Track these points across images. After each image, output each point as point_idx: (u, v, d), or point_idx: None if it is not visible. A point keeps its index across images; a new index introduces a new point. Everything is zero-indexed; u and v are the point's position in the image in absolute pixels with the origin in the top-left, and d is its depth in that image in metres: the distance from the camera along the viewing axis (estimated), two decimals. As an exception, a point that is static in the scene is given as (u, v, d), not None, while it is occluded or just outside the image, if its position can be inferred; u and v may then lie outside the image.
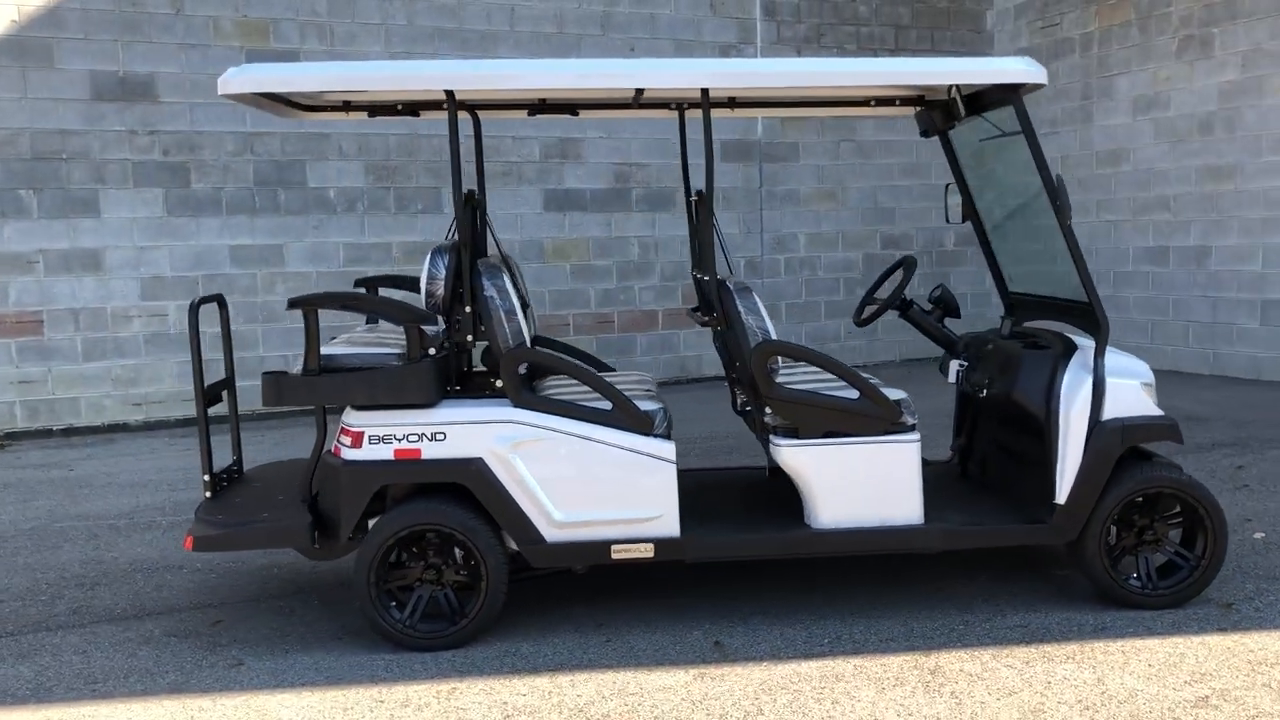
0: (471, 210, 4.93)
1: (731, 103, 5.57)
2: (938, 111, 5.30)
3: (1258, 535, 5.55)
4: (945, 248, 12.96)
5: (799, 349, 4.52)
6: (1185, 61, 10.85)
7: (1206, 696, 3.76)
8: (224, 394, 5.12)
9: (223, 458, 8.24)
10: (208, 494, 4.81)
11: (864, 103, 5.57)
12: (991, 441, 5.24)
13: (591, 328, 11.32)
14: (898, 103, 5.49)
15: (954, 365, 5.23)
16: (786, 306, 12.17)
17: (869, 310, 5.44)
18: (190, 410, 9.91)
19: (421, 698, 3.98)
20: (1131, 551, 4.66)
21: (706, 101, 4.53)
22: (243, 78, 4.33)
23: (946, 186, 5.41)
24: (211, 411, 9.14)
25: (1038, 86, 4.61)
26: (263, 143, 9.98)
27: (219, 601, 5.14)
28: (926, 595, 4.87)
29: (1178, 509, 4.63)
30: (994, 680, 3.96)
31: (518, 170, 10.91)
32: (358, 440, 4.42)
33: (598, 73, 4.47)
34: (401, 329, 5.41)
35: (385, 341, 4.75)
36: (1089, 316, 4.62)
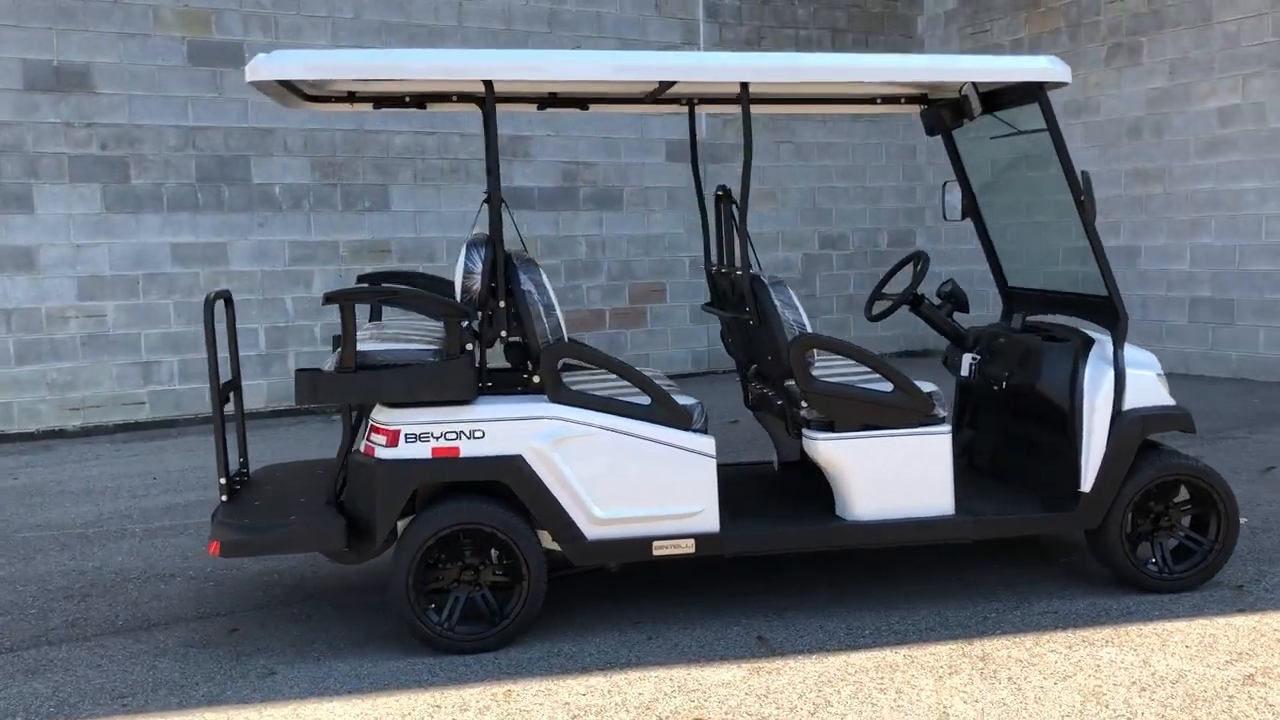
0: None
1: (734, 100, 5.57)
2: (946, 110, 5.39)
3: (1242, 520, 5.78)
4: (880, 248, 13.20)
5: (838, 342, 4.55)
6: (1114, 68, 11.27)
7: (1251, 675, 3.90)
8: (230, 394, 4.93)
9: (189, 462, 7.94)
10: (224, 498, 4.62)
11: (870, 100, 5.63)
12: (1003, 433, 5.34)
13: (540, 327, 11.20)
14: (903, 101, 5.57)
15: (967, 359, 5.32)
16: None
17: (880, 306, 5.51)
18: (132, 415, 9.51)
19: (479, 701, 3.88)
20: (1147, 537, 4.81)
21: (746, 96, 4.53)
22: (273, 65, 4.17)
23: (944, 184, 5.50)
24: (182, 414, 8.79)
25: (1062, 84, 4.72)
26: (205, 137, 9.63)
27: (227, 610, 4.94)
28: (950, 585, 4.94)
29: (1188, 495, 4.80)
30: (1044, 665, 4.04)
31: (465, 168, 10.75)
32: (394, 439, 4.29)
33: (637, 65, 4.43)
34: (415, 325, 5.30)
35: (410, 337, 4.62)
36: (1106, 310, 4.75)
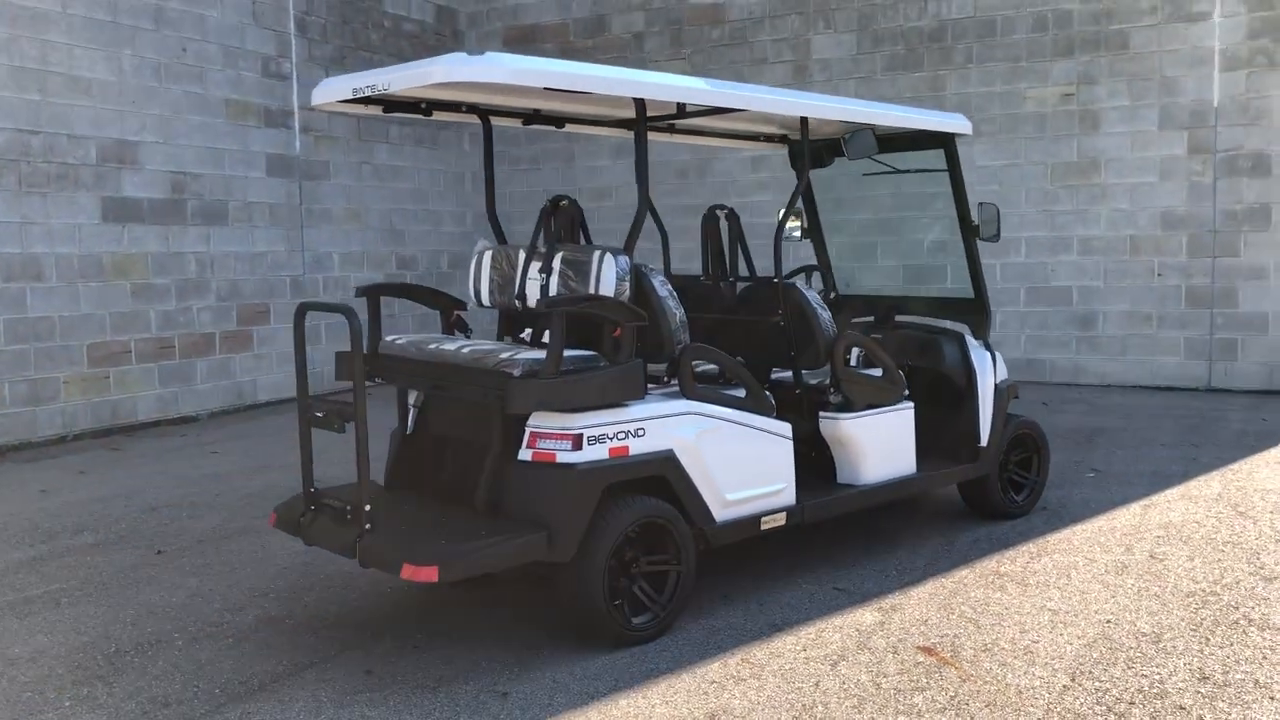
0: (554, 212, 5.02)
1: (670, 128, 6.19)
2: (823, 149, 6.55)
3: (1090, 474, 7.64)
4: (442, 269, 13.75)
5: (863, 338, 5.50)
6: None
7: (1148, 554, 5.64)
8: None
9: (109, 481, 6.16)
10: (368, 525, 4.25)
11: (753, 137, 6.60)
12: None
13: (154, 354, 10.09)
14: (762, 138, 6.62)
15: (855, 352, 6.52)
16: (325, 327, 11.99)
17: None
18: None
19: (736, 670, 4.23)
20: (1010, 479, 6.43)
21: (805, 129, 5.29)
22: (501, 69, 4.08)
23: (778, 212, 6.65)
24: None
25: (967, 135, 6.16)
26: None
27: (322, 657, 4.47)
28: (906, 538, 6.11)
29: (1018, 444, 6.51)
30: (1032, 570, 5.40)
31: (74, 173, 9.37)
32: (578, 442, 4.38)
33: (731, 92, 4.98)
34: (454, 332, 5.24)
35: (500, 347, 4.69)
36: (976, 308, 6.28)
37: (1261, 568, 5.39)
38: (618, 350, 4.55)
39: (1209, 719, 3.77)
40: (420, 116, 5.32)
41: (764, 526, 5.02)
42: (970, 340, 6.29)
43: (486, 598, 5.11)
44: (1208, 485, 7.10)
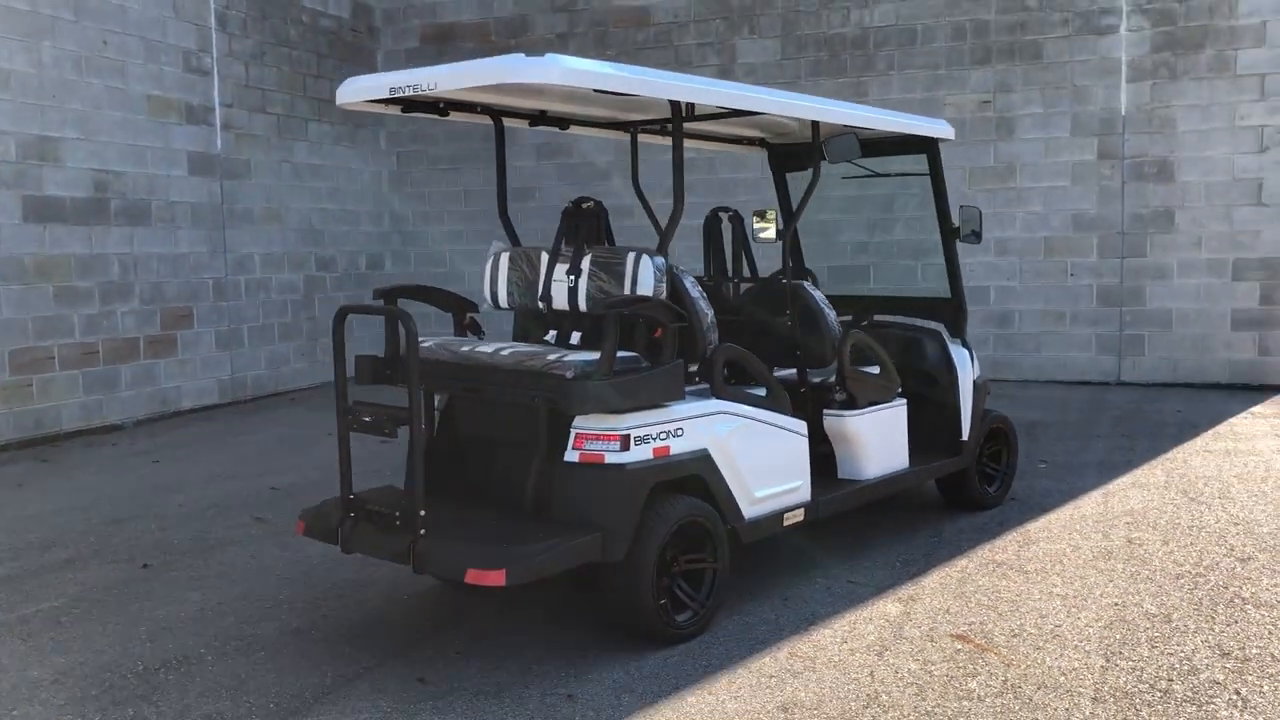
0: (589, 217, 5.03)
1: (664, 130, 6.24)
2: (801, 151, 6.70)
3: (1041, 464, 7.91)
4: (360, 270, 13.48)
5: (866, 337, 5.65)
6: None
7: (1125, 539, 5.96)
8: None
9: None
10: (423, 531, 4.19)
11: (736, 141, 6.71)
12: None
13: (78, 360, 9.63)
14: (744, 142, 6.75)
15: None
16: (249, 330, 11.63)
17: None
18: None
19: (788, 664, 4.33)
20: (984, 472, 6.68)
21: (816, 132, 5.40)
22: (559, 68, 4.07)
23: (756, 213, 6.77)
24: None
25: (949, 140, 6.37)
26: None
27: (365, 667, 4.39)
28: (895, 531, 6.29)
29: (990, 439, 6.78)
30: (1025, 558, 5.65)
31: (-6, 171, 8.89)
32: (626, 443, 4.41)
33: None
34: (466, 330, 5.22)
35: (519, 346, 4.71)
36: (953, 307, 6.52)
37: (1232, 550, 5.74)
38: (658, 351, 4.59)
39: (1245, 692, 4.02)
40: (422, 115, 5.25)
41: (786, 522, 5.13)
42: (947, 338, 6.52)
43: (499, 601, 5.08)
44: (1153, 474, 7.51)
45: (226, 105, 11.33)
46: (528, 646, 4.56)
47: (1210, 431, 8.90)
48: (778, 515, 5.08)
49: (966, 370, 6.41)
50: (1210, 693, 4.02)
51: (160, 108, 10.52)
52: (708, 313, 4.91)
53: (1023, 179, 11.72)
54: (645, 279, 4.69)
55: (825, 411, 5.67)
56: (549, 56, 4.13)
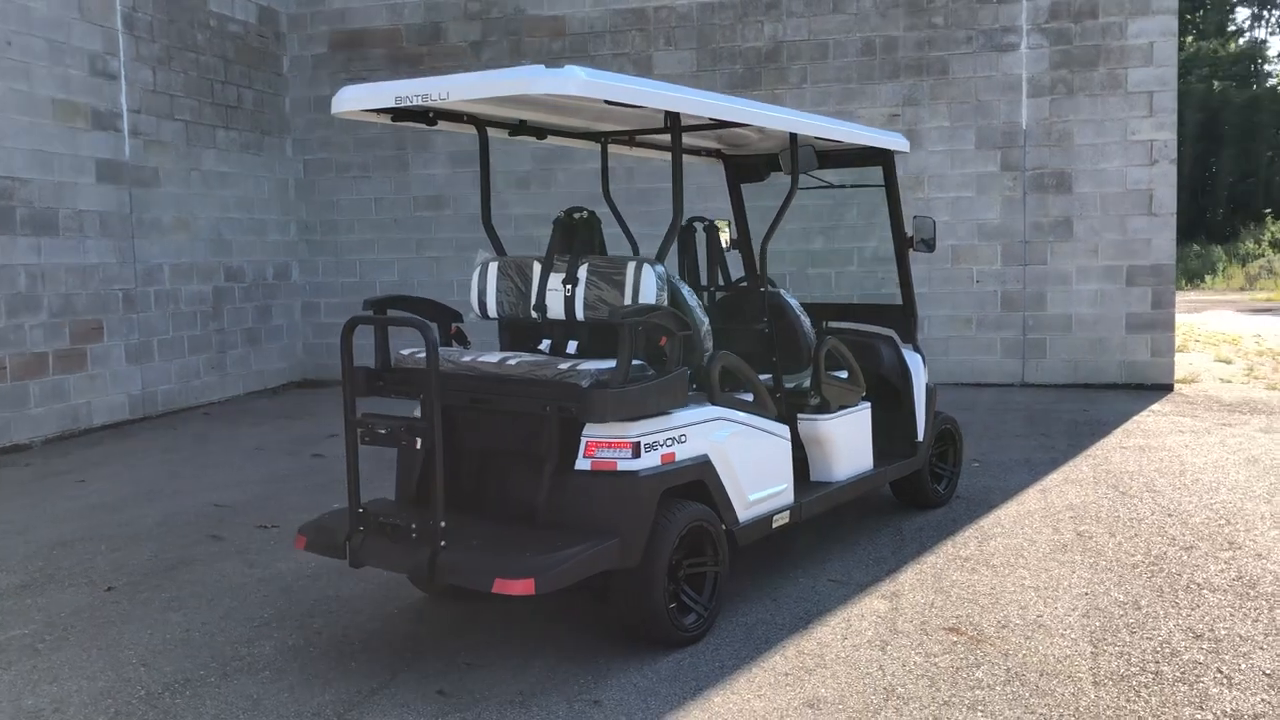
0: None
1: (631, 140, 6.31)
2: (761, 163, 6.86)
3: (974, 464, 8.17)
4: (268, 280, 13.16)
5: (839, 343, 5.82)
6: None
7: (1074, 532, 6.28)
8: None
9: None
10: (443, 543, 4.17)
11: (696, 152, 6.82)
12: None
13: (-15, 376, 9.18)
14: (703, 154, 6.89)
15: None
16: (159, 343, 11.24)
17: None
18: None
19: (793, 663, 4.45)
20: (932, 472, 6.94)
21: (794, 144, 5.55)
22: (577, 81, 4.12)
23: (705, 224, 6.90)
24: None
25: (904, 152, 6.61)
26: None
27: (380, 682, 4.35)
28: (857, 531, 6.48)
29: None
30: (987, 552, 5.90)
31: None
32: (637, 450, 4.48)
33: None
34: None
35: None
36: (904, 313, 6.76)
37: (1174, 540, 6.10)
38: (662, 359, 4.66)
39: (1226, 670, 4.31)
40: (410, 124, 5.22)
41: (774, 524, 5.26)
42: (899, 344, 6.75)
43: (489, 610, 5.08)
44: (1079, 470, 7.91)
45: (134, 111, 10.94)
46: (534, 655, 4.57)
47: (1120, 429, 9.40)
48: (767, 518, 5.21)
49: (920, 374, 6.66)
50: (1196, 672, 4.29)
51: (67, 112, 10.11)
52: (704, 320, 5.01)
53: (930, 189, 12.16)
54: (647, 287, 4.76)
55: (799, 416, 5.82)
56: (568, 68, 4.18)
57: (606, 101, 4.41)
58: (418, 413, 5.09)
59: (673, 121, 4.81)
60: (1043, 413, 10.37)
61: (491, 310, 5.29)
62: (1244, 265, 29.51)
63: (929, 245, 6.63)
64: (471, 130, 5.51)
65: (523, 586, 4.00)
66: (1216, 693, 4.11)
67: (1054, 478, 7.68)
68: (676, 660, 4.50)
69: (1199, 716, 3.93)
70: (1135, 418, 9.94)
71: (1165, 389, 11.51)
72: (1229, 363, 13.63)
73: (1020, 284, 12.00)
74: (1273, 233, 32.17)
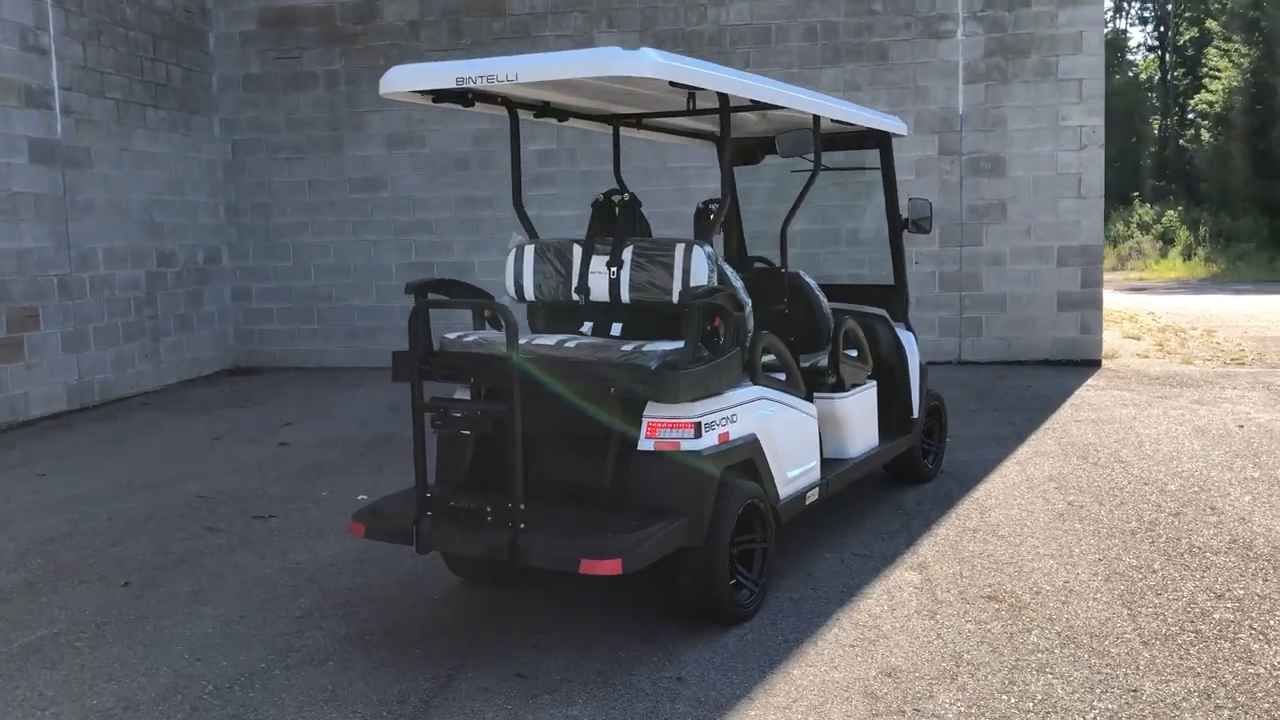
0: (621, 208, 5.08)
1: (638, 123, 6.32)
2: (757, 146, 6.94)
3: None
4: (199, 264, 12.75)
5: (853, 323, 5.95)
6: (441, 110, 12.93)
7: (1065, 503, 6.56)
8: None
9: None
10: (522, 525, 4.16)
11: (693, 134, 6.87)
12: None
13: (-78, 368, 8.70)
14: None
15: None
16: (94, 331, 10.80)
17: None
18: None
19: (857, 635, 4.58)
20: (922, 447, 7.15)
21: (817, 127, 5.64)
22: (653, 63, 4.13)
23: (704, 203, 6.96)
24: None
25: (902, 136, 6.75)
26: None
27: (454, 668, 4.33)
28: (860, 506, 6.63)
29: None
30: (991, 523, 6.13)
31: None
32: (699, 430, 4.53)
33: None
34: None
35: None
36: (895, 294, 6.94)
37: (1160, 507, 6.42)
38: (715, 340, 4.71)
39: (1259, 626, 4.59)
40: (446, 105, 5.15)
41: (808, 501, 5.37)
42: (892, 324, 6.93)
43: (513, 594, 5.08)
44: (1044, 443, 8.23)
45: (65, 88, 10.46)
46: (597, 635, 4.59)
47: (1068, 404, 9.80)
48: (802, 495, 5.32)
49: (914, 352, 6.85)
50: (1233, 630, 4.55)
51: (-2, 89, 9.63)
52: (747, 301, 5.07)
53: (870, 173, 12.41)
54: (699, 269, 4.80)
55: (816, 394, 5.94)
56: (643, 51, 4.19)
57: (671, 84, 4.43)
58: (457, 395, 5.06)
59: (723, 103, 4.85)
60: (988, 389, 10.73)
61: (529, 293, 5.26)
62: (1115, 246, 30.92)
63: (921, 227, 6.81)
64: (503, 111, 5.45)
65: (610, 566, 4.03)
66: (1259, 649, 4.37)
67: (1024, 451, 7.98)
68: (739, 636, 4.58)
69: (1251, 670, 4.18)
70: (1077, 392, 10.37)
71: (1094, 364, 12.02)
72: (1138, 339, 14.29)
73: (957, 265, 12.37)
74: (1140, 215, 33.88)
